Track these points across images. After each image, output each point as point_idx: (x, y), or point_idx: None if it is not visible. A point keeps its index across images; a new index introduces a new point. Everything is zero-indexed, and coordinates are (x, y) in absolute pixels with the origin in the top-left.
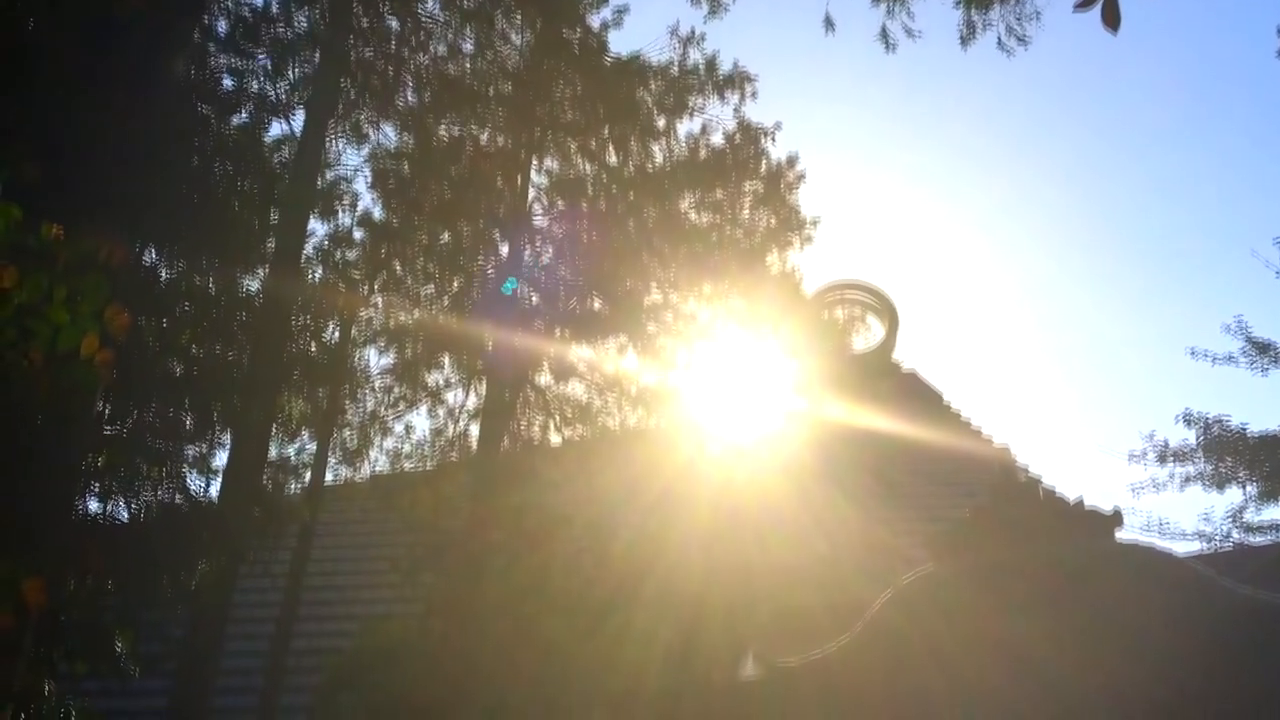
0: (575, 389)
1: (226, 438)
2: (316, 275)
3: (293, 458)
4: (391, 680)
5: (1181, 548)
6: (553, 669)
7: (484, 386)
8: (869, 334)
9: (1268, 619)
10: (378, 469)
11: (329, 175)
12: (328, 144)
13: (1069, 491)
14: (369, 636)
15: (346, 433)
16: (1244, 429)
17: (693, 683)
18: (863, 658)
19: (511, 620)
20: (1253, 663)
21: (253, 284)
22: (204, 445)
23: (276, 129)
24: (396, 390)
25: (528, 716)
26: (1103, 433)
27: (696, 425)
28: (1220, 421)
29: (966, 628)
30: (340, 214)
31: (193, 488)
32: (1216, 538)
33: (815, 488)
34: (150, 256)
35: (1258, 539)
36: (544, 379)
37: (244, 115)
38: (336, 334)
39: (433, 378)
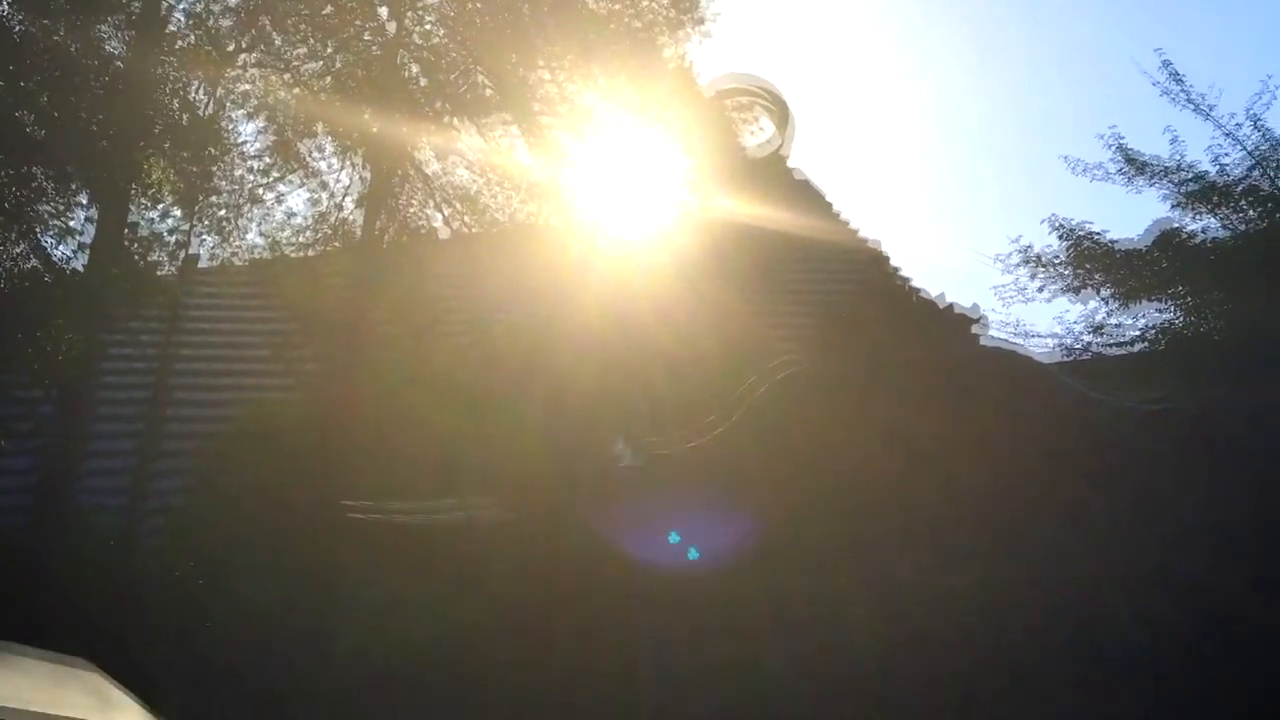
0: (461, 176)
1: (85, 200)
2: (186, 40)
3: (163, 231)
4: (272, 463)
5: (1040, 352)
6: (438, 456)
7: (367, 171)
8: (761, 132)
9: (1124, 426)
10: (257, 252)
11: None
12: None
13: (939, 293)
14: (248, 420)
15: (221, 211)
16: (1111, 242)
17: (580, 472)
18: (742, 443)
19: (396, 409)
20: (1106, 465)
21: (114, 44)
22: (63, 207)
23: None
24: (271, 163)
25: (411, 499)
26: (978, 236)
27: (587, 219)
28: (1090, 234)
29: (848, 415)
30: None
31: (55, 255)
32: (1072, 343)
33: (704, 283)
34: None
35: (1110, 347)
36: (429, 165)
37: None
38: (209, 105)
39: (310, 154)
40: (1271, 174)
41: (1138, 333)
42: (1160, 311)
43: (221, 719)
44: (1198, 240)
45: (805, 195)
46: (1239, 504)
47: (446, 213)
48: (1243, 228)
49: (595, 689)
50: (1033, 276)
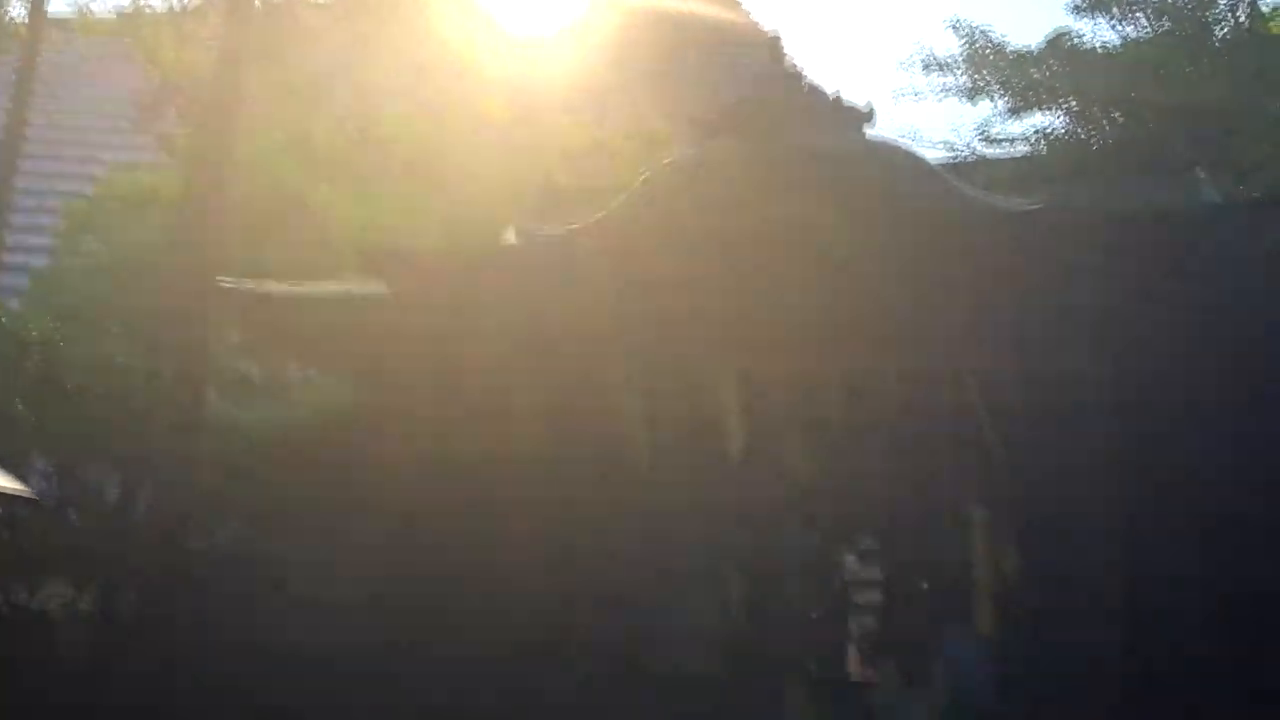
0: None
1: None
2: None
3: None
4: (140, 229)
5: (929, 155)
6: (321, 236)
7: None
8: None
9: (998, 224)
10: (119, 4)
11: None
12: None
13: (835, 90)
14: (113, 184)
15: None
16: (1004, 44)
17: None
18: (627, 229)
19: (276, 185)
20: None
21: None
22: None
23: None
24: None
25: (288, 278)
26: (891, 42)
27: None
28: (985, 34)
29: (734, 204)
30: None
31: None
32: (961, 149)
33: (605, 68)
34: None
35: (997, 153)
36: None
37: None
38: None
39: None
40: None
41: (1024, 139)
42: (1048, 118)
43: (79, 479)
44: (1088, 47)
45: None
46: (1101, 299)
47: None
48: (1134, 36)
49: (486, 468)
50: (931, 82)
